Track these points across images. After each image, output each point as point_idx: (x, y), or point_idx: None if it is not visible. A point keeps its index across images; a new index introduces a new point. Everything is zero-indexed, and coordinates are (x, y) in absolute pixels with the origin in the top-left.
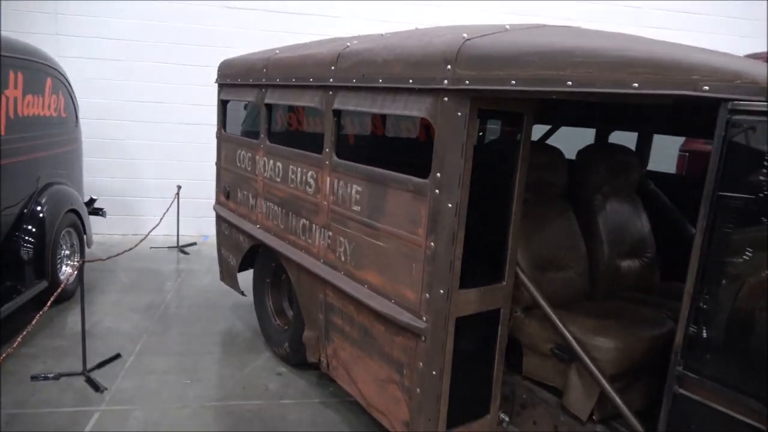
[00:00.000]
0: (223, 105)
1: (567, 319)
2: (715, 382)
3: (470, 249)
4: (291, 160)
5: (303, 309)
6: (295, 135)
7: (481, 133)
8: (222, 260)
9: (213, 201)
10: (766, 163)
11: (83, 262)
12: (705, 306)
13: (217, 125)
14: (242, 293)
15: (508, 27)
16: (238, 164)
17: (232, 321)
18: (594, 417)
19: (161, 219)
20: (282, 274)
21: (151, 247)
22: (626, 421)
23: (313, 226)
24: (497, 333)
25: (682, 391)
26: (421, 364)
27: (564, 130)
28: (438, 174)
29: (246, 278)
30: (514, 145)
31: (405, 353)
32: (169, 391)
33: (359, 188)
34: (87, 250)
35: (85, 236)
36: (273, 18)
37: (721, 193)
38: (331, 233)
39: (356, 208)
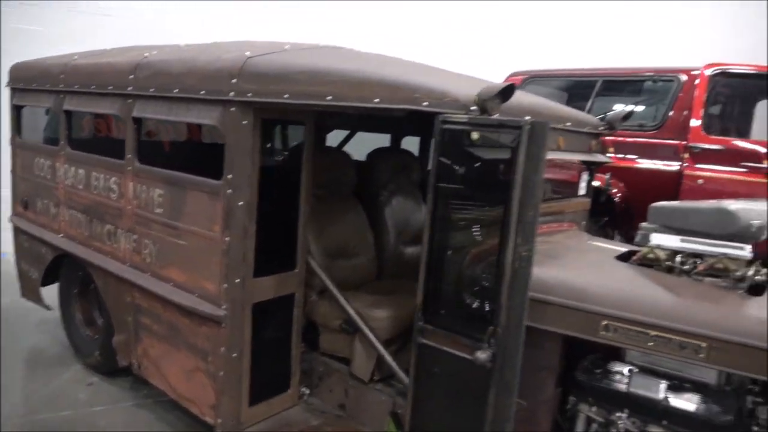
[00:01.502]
0: (16, 110)
1: (352, 298)
2: (443, 329)
3: (264, 241)
4: (93, 166)
5: (112, 313)
6: (97, 141)
7: (279, 146)
8: (22, 275)
9: (7, 213)
10: (466, 160)
11: None
12: (435, 272)
13: (11, 132)
14: (48, 307)
15: (287, 47)
16: (37, 172)
17: (36, 337)
18: (375, 377)
19: None
20: (90, 282)
21: None
22: (398, 377)
23: (118, 230)
24: (293, 315)
25: (423, 340)
26: (222, 349)
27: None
28: (230, 176)
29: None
30: (298, 148)
31: (208, 341)
32: None
33: (161, 191)
34: None
35: None
36: (74, 17)
37: (439, 184)
38: (136, 236)
39: (159, 210)
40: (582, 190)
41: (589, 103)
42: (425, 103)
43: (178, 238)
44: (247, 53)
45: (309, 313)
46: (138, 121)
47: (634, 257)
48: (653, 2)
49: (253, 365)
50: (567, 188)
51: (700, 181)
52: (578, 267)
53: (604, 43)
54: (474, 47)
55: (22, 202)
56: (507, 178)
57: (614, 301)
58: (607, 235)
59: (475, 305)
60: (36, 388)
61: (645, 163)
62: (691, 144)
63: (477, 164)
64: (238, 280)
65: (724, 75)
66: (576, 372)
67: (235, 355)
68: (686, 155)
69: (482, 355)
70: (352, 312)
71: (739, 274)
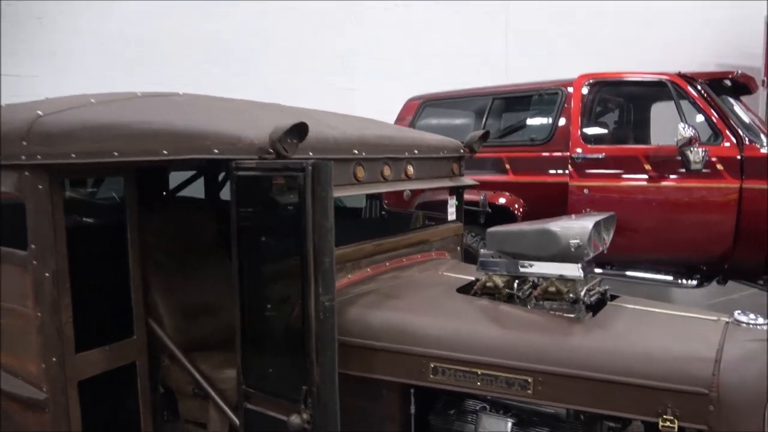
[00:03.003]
0: None
1: (202, 358)
2: (266, 393)
3: (89, 311)
4: None
5: None
6: None
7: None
8: None
9: None
10: (263, 209)
11: None
12: (250, 331)
13: None
14: None
15: (93, 100)
16: None
17: None
18: None
19: None
20: None
21: None
22: None
23: None
24: (137, 386)
25: (249, 405)
26: None
27: None
28: (33, 245)
29: None
30: (121, 207)
31: (38, 427)
32: None
33: None
34: None
35: None
36: None
37: (240, 236)
38: None
39: None
40: (451, 215)
41: (483, 122)
42: (216, 151)
43: (1, 317)
44: (39, 112)
45: (164, 379)
46: None
47: (475, 287)
48: None
49: None
50: (436, 214)
51: (586, 191)
52: (412, 306)
53: None
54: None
55: None
56: (300, 225)
57: (440, 341)
58: None
59: (288, 364)
60: None
61: (539, 178)
62: (572, 154)
63: (273, 213)
64: (55, 359)
65: (599, 84)
66: (430, 415)
67: None
68: (569, 166)
69: (296, 420)
70: (197, 375)
71: (572, 295)
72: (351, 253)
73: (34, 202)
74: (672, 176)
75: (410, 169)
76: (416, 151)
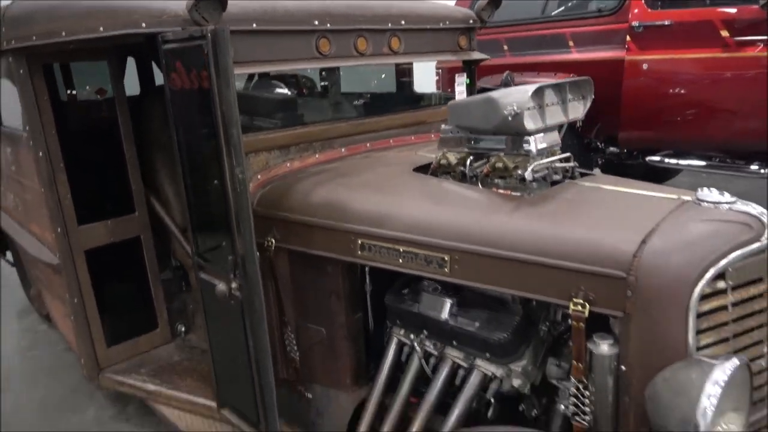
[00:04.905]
0: None
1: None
2: (211, 264)
3: (89, 188)
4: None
5: (25, 268)
6: None
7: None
8: None
9: None
10: (186, 83)
11: None
12: (193, 202)
13: None
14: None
15: None
16: None
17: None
18: None
19: None
20: None
21: None
22: None
23: (9, 194)
24: (144, 257)
25: (201, 275)
26: (67, 295)
27: None
28: (27, 127)
29: None
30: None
31: (62, 288)
32: None
33: (9, 149)
34: None
35: None
36: None
37: (175, 113)
38: (12, 195)
39: (13, 168)
40: (459, 94)
41: None
42: (143, 25)
43: (26, 192)
44: None
45: (174, 254)
46: None
47: (432, 166)
48: None
49: (103, 309)
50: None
51: (645, 66)
52: (354, 184)
53: None
54: None
55: None
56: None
57: (368, 217)
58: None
59: (221, 236)
60: None
61: (602, 54)
62: (632, 23)
63: (193, 87)
64: (60, 230)
65: None
66: (387, 294)
67: (76, 300)
68: (627, 36)
69: (222, 287)
70: (187, 248)
71: (520, 172)
72: (319, 132)
73: (20, 86)
74: (758, 44)
75: (395, 42)
76: (403, 22)
